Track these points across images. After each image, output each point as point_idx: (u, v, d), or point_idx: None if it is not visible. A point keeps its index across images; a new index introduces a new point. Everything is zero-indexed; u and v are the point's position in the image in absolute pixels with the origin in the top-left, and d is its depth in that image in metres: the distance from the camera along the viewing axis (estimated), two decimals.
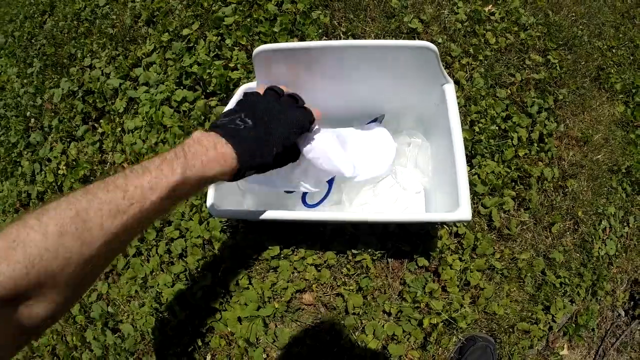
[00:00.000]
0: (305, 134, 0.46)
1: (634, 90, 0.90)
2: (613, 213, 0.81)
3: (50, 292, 0.25)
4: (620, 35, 0.96)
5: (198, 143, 0.35)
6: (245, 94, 0.43)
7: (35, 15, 1.23)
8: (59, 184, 0.90)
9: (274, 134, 0.39)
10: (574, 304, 0.76)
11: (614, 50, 0.94)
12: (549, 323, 0.74)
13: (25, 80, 1.09)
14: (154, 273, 0.76)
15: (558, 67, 0.87)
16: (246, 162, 0.37)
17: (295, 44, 0.53)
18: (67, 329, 0.81)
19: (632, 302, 0.79)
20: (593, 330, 0.77)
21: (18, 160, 0.99)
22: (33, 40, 1.17)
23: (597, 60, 0.91)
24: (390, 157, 0.65)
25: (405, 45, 0.52)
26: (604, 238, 0.80)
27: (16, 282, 0.23)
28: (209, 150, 0.35)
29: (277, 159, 0.40)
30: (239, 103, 0.42)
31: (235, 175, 0.38)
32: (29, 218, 0.25)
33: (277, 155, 0.39)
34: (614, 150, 0.85)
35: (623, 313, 0.80)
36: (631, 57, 0.94)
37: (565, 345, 0.76)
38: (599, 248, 0.79)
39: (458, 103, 0.81)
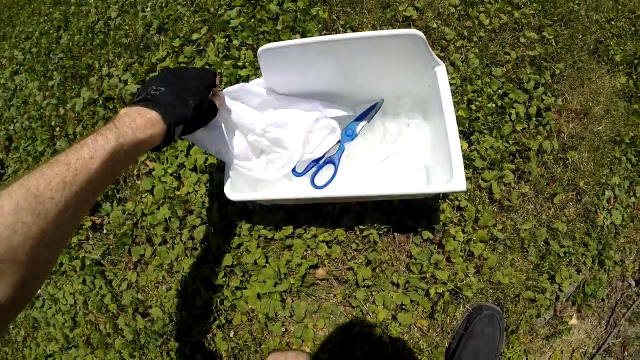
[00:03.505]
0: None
1: (636, 61, 0.96)
2: (618, 183, 0.87)
3: (10, 268, 0.29)
4: (620, 7, 1.02)
5: (126, 115, 0.43)
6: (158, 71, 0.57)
7: (51, 32, 1.39)
8: None
9: (184, 89, 0.49)
10: (580, 274, 0.82)
11: (613, 22, 1.01)
12: (555, 292, 0.80)
13: (47, 93, 1.25)
14: (179, 259, 0.89)
15: (554, 43, 0.95)
16: (171, 119, 0.46)
17: (295, 40, 0.64)
18: (100, 318, 0.94)
19: None
20: (603, 300, 0.82)
21: None
22: (51, 55, 1.33)
23: (595, 33, 0.99)
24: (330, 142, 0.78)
25: (394, 34, 0.62)
26: (609, 208, 0.86)
27: None
28: (136, 119, 0.43)
29: (197, 110, 0.50)
30: (149, 79, 0.53)
31: (167, 134, 0.46)
32: None
33: (195, 106, 0.49)
34: (616, 121, 0.92)
35: (634, 283, 0.83)
36: (632, 28, 1.01)
37: (575, 315, 0.81)
38: (604, 218, 0.85)
39: (454, 84, 0.91)
